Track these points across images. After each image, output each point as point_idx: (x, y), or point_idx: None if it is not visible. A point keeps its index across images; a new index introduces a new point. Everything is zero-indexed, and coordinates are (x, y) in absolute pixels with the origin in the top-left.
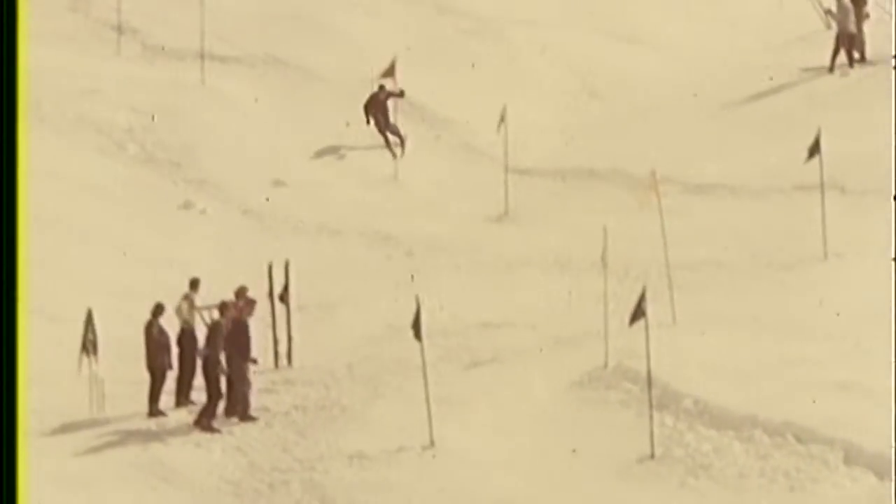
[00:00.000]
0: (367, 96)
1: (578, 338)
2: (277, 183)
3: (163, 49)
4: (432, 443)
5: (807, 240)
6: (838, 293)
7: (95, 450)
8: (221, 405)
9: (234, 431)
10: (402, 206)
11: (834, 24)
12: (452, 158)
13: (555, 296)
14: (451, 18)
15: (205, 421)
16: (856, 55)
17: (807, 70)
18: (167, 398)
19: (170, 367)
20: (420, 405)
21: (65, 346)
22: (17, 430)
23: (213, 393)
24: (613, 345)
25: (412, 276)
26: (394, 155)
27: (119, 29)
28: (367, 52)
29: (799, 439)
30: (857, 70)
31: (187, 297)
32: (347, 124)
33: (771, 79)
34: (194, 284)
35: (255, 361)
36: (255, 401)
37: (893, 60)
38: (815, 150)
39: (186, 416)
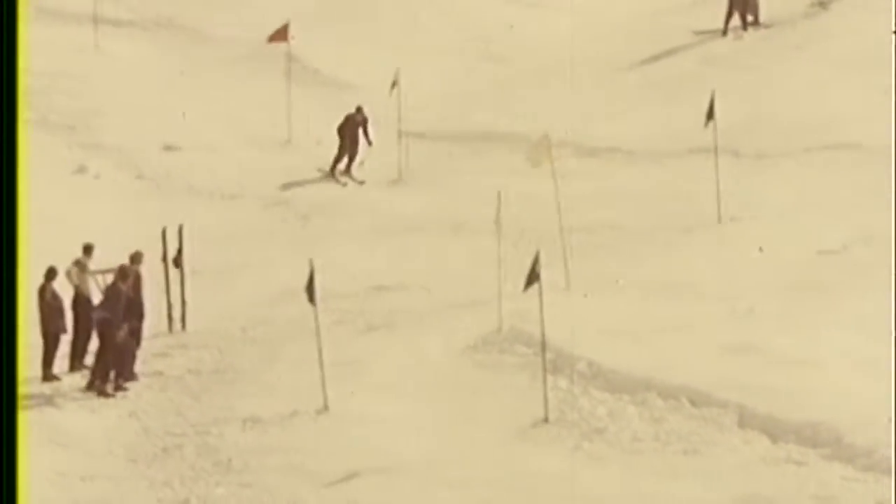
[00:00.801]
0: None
1: (473, 301)
2: (171, 147)
3: (56, 12)
4: (326, 406)
5: (701, 203)
6: (732, 256)
7: None
8: (115, 369)
9: (128, 396)
10: (296, 170)
11: None
12: None
13: (449, 259)
14: None
15: (98, 385)
16: (749, 18)
17: (700, 33)
18: (61, 362)
19: (63, 331)
20: (314, 369)
21: None
22: None
23: (106, 357)
24: (508, 308)
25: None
26: (338, 181)
27: None
28: (261, 15)
29: (693, 402)
30: (751, 33)
31: (78, 263)
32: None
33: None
34: (87, 250)
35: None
36: (149, 365)
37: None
38: (710, 113)
39: (81, 380)
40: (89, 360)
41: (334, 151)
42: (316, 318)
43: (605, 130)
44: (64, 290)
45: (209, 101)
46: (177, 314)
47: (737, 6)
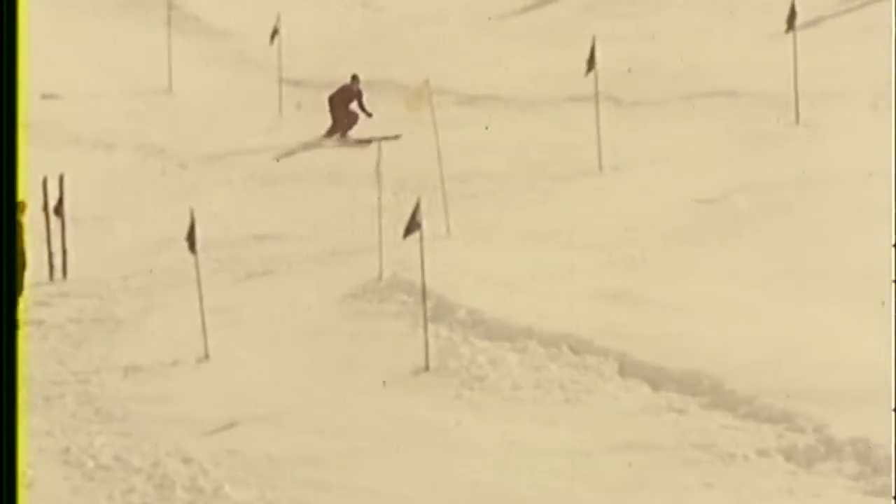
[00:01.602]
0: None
1: (353, 250)
2: (50, 96)
3: None
4: (207, 355)
5: (581, 151)
6: (612, 204)
7: None
8: None
9: None
10: (176, 119)
11: None
12: (227, 70)
13: (329, 208)
14: None
15: None
16: None
17: None
18: None
19: None
20: (194, 317)
21: None
22: None
23: None
24: (388, 257)
25: (186, 189)
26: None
27: None
28: None
29: (574, 350)
30: None
31: None
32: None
33: None
34: None
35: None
36: (31, 314)
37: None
38: (590, 61)
39: None
40: None
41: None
42: (196, 266)
43: (485, 78)
44: None
45: (89, 50)
46: (58, 263)
47: None
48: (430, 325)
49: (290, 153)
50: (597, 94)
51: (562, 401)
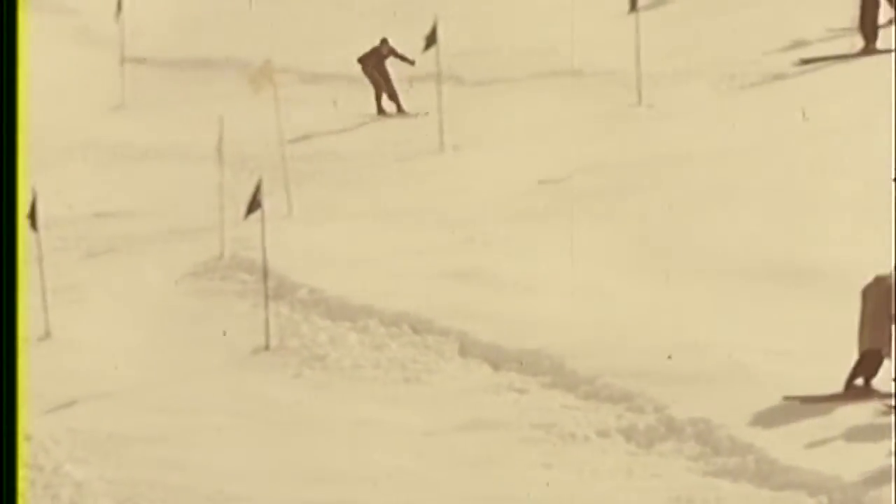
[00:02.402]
0: None
1: (195, 229)
2: None
3: None
4: (48, 333)
5: (423, 130)
6: (455, 184)
7: None
8: None
9: None
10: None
11: None
12: (70, 47)
13: (171, 186)
14: None
15: None
16: None
17: None
18: None
19: None
20: (36, 295)
21: None
22: None
23: None
24: (229, 236)
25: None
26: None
27: None
28: None
29: (415, 329)
30: None
31: None
32: None
33: None
34: None
35: None
36: None
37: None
38: (431, 40)
39: None
40: None
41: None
42: (38, 244)
43: (330, 56)
44: None
45: None
46: None
47: None
48: (271, 304)
49: (131, 131)
50: (439, 73)
51: (402, 380)
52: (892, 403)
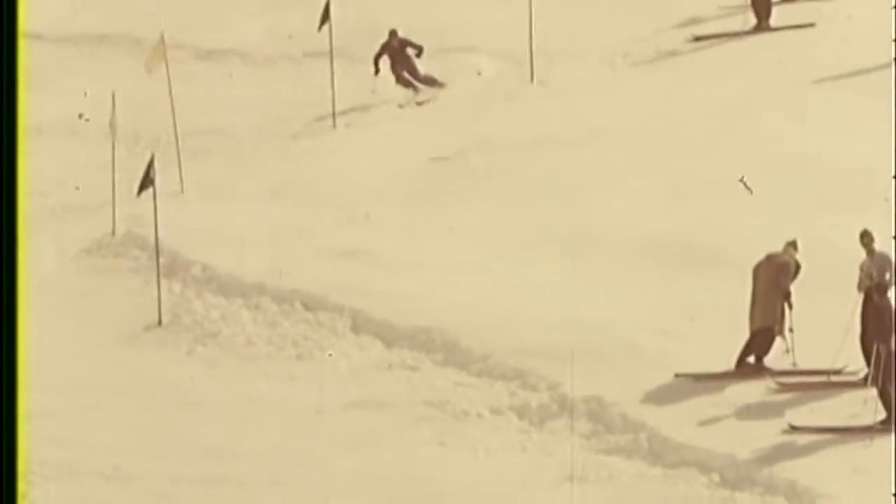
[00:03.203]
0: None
1: (86, 205)
2: None
3: None
4: None
5: (316, 107)
6: (347, 162)
7: None
8: None
9: None
10: None
11: None
12: None
13: (63, 163)
14: None
15: None
16: None
17: None
18: None
19: None
20: None
21: None
22: None
23: None
24: (122, 212)
25: None
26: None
27: None
28: None
29: (307, 307)
30: None
31: None
32: None
33: None
34: None
35: None
36: None
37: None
38: (325, 17)
39: None
40: None
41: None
42: None
43: (224, 33)
44: None
45: None
46: None
47: None
48: (163, 281)
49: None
50: (331, 50)
51: (294, 357)
52: (784, 381)
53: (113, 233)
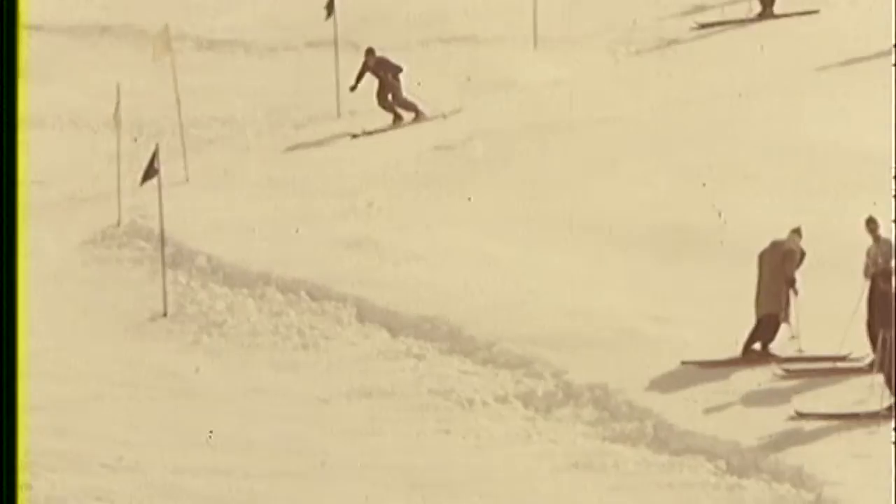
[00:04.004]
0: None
1: (91, 196)
2: None
3: None
4: None
5: (320, 97)
6: (352, 151)
7: None
8: None
9: None
10: None
11: None
12: None
13: (68, 154)
14: None
15: None
16: None
17: None
18: None
19: None
20: None
21: None
22: None
23: None
24: (127, 203)
25: None
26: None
27: None
28: None
29: (312, 296)
30: None
31: None
32: None
33: None
34: None
35: None
36: None
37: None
38: (330, 7)
39: None
40: None
41: None
42: None
43: (225, 23)
44: None
45: None
46: None
47: None
48: (168, 272)
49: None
50: (336, 39)
51: (300, 346)
52: (789, 368)
53: (118, 223)
